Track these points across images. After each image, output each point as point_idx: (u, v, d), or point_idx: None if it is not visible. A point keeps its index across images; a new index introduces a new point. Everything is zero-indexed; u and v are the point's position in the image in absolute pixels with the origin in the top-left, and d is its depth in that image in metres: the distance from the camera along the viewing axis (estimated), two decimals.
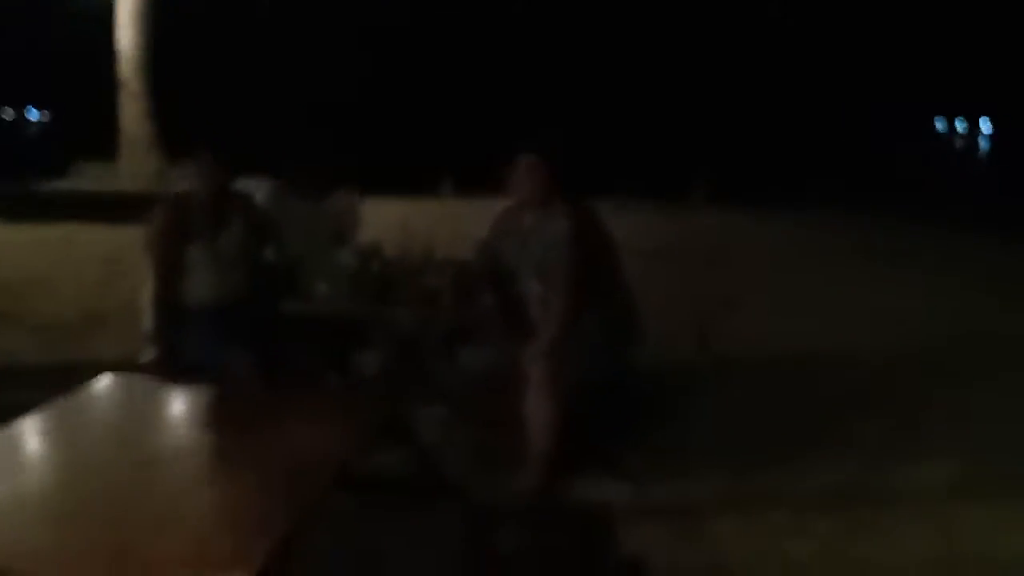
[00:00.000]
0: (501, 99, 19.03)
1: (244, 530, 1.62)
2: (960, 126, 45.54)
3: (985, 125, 43.39)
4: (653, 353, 5.06)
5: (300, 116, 16.91)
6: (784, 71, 21.29)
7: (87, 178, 14.63)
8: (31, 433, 2.02)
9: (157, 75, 14.26)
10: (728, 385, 4.63)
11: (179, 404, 2.45)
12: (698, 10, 20.77)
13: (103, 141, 14.70)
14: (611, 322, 3.26)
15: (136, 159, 14.17)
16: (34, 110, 24.55)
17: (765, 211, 12.11)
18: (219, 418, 2.29)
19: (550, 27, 20.67)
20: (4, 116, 23.07)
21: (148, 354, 3.27)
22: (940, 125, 43.63)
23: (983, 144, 40.08)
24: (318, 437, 2.25)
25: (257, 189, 3.80)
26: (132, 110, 14.18)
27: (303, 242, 3.71)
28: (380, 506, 2.97)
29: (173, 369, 3.26)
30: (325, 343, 3.33)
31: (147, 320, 3.28)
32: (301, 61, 19.26)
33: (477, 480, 3.17)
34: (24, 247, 9.74)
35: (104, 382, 2.40)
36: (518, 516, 2.95)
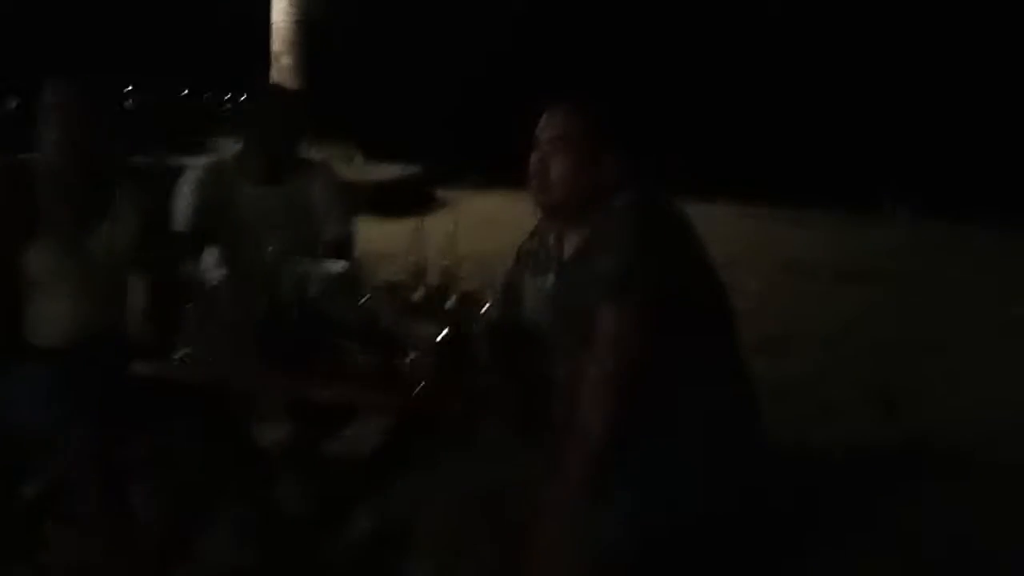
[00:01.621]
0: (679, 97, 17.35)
1: None
2: None
3: None
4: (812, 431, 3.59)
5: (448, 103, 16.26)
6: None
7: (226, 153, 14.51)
8: None
9: (313, 52, 13.79)
10: (917, 488, 3.01)
11: None
12: (905, 15, 18.30)
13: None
14: (708, 434, 1.75)
15: None
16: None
17: (979, 230, 9.71)
18: None
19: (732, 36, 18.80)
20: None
21: None
22: None
23: None
24: None
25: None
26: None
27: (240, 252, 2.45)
28: None
29: None
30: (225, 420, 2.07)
31: None
32: (462, 43, 18.40)
33: None
34: None
35: None
36: None
